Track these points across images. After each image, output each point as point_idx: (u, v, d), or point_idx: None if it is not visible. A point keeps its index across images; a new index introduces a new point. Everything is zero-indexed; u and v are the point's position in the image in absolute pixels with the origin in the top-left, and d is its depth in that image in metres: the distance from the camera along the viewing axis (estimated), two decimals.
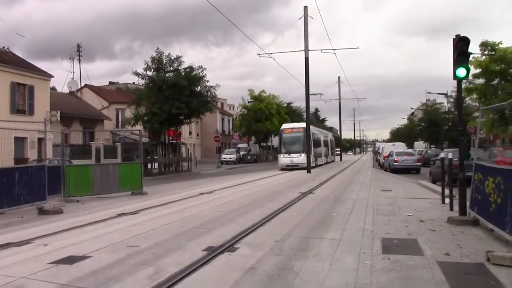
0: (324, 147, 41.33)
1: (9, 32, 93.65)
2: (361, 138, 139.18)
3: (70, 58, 48.61)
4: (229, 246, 6.73)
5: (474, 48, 25.62)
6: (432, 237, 7.30)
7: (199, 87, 31.51)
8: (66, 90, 43.41)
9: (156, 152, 31.81)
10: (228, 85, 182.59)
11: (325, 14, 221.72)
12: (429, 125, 54.58)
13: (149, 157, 29.22)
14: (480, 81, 29.45)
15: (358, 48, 32.60)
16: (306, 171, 27.30)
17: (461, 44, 8.97)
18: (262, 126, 51.89)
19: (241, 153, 55.86)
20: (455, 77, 9.03)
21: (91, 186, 14.46)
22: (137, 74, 30.70)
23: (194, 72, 30.95)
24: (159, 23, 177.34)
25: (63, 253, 6.40)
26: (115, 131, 39.16)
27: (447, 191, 11.06)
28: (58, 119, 29.72)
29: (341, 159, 55.31)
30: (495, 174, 7.08)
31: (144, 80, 31.05)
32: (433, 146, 55.30)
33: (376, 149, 60.46)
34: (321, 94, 38.61)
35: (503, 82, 28.60)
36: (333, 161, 48.38)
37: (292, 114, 59.38)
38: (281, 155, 32.47)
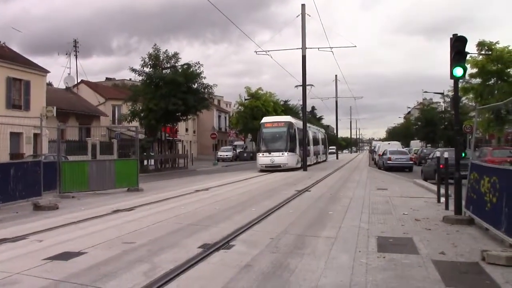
0: (314, 145, 36.62)
1: (6, 27, 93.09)
2: (358, 136, 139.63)
3: (66, 54, 48.52)
4: (225, 244, 6.73)
5: (471, 48, 25.71)
6: (427, 236, 7.32)
7: (196, 84, 31.47)
8: (62, 85, 43.36)
9: (153, 149, 31.76)
10: (225, 82, 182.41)
11: (323, 12, 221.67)
12: (426, 124, 54.79)
13: (145, 154, 29.15)
14: (477, 80, 29.58)
15: (355, 46, 32.21)
16: (298, 170, 26.35)
17: (458, 44, 9.00)
18: (259, 124, 51.75)
19: (238, 150, 55.85)
20: (452, 76, 9.06)
21: (87, 182, 14.42)
22: (134, 70, 30.64)
23: (191, 69, 30.90)
24: (157, 19, 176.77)
25: (58, 249, 6.38)
26: (111, 127, 39.07)
27: (443, 191, 11.11)
28: (54, 114, 29.59)
29: (337, 157, 55.39)
30: (490, 174, 7.10)
31: (141, 77, 30.98)
32: (429, 145, 55.49)
33: (373, 147, 60.64)
34: (312, 85, 36.11)
35: (499, 82, 28.74)
36: (324, 160, 44.10)
37: (289, 112, 59.24)
38: (260, 154, 27.74)
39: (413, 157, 38.15)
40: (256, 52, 29.83)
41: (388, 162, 29.29)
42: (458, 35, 9.11)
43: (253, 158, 53.59)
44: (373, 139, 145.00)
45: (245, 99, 54.78)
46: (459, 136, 9.94)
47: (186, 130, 55.15)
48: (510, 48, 28.11)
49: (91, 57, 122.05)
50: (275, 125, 28.80)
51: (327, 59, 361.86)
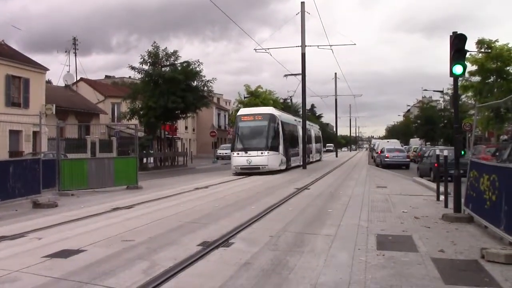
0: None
1: (5, 25, 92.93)
2: (357, 134, 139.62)
3: (66, 52, 48.22)
4: (224, 241, 6.72)
5: (470, 46, 25.73)
6: (426, 233, 7.32)
7: (195, 82, 31.43)
8: (61, 83, 43.33)
9: (152, 147, 31.71)
10: (225, 80, 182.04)
11: (322, 10, 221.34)
12: (425, 122, 54.83)
13: (144, 152, 29.14)
14: (476, 78, 29.60)
15: (354, 44, 32.00)
16: (281, 173, 22.11)
17: (458, 42, 8.98)
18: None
19: None
20: (451, 74, 9.05)
21: (86, 180, 14.41)
22: (133, 68, 30.57)
23: (191, 67, 30.85)
24: (157, 17, 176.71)
25: (58, 247, 6.38)
26: (110, 125, 39.00)
27: (442, 189, 11.11)
28: (54, 112, 29.59)
29: (336, 156, 55.38)
30: (490, 172, 7.10)
31: (140, 74, 30.94)
32: (428, 143, 55.50)
33: (372, 145, 60.67)
34: (299, 74, 31.44)
35: (499, 80, 28.76)
36: (319, 160, 38.71)
37: (288, 110, 59.31)
38: (235, 153, 22.47)
39: (413, 155, 38.42)
40: (256, 50, 29.72)
41: (386, 159, 30.24)
42: (458, 33, 9.10)
43: None
44: (372, 137, 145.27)
45: (245, 97, 54.69)
46: (458, 134, 9.92)
47: (186, 128, 55.14)
48: (509, 46, 28.15)
49: (90, 54, 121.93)
50: (254, 118, 23.47)
51: (326, 57, 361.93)
